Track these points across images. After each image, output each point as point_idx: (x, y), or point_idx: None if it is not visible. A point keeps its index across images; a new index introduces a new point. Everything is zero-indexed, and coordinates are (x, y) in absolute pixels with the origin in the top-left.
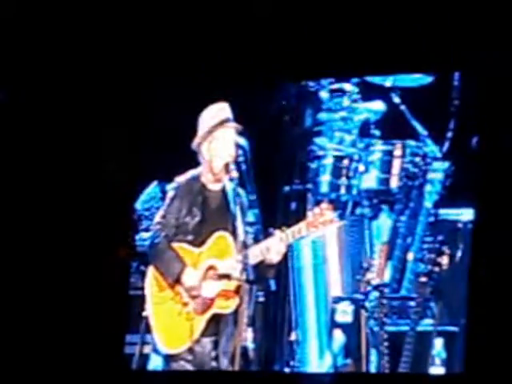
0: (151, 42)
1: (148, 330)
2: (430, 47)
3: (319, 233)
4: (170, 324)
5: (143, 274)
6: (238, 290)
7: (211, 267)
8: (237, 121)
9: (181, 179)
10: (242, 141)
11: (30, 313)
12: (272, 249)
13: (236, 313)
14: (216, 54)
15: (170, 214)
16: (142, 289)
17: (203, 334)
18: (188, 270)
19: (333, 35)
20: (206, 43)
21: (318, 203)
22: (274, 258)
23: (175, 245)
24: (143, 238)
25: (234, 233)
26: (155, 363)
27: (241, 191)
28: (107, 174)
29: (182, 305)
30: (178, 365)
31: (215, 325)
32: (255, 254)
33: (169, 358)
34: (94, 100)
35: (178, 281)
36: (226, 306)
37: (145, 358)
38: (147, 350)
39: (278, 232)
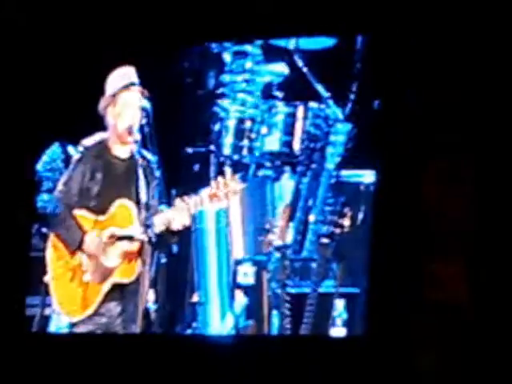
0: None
1: (48, 293)
2: (333, 10)
3: (222, 204)
4: (69, 293)
5: (44, 236)
6: (140, 252)
7: (112, 236)
8: (142, 84)
9: (87, 142)
10: (146, 103)
11: None
12: (175, 220)
13: (137, 280)
14: (121, 18)
15: (73, 179)
16: (43, 250)
17: (105, 301)
18: (88, 237)
19: None
20: (111, 6)
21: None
22: (178, 227)
23: (77, 212)
24: (45, 199)
25: (137, 198)
26: (58, 325)
27: (145, 153)
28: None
29: (81, 273)
30: (83, 328)
31: (118, 291)
32: (158, 224)
33: (72, 324)
34: None
35: (79, 248)
36: (126, 275)
37: (46, 319)
38: (48, 311)
39: (179, 202)
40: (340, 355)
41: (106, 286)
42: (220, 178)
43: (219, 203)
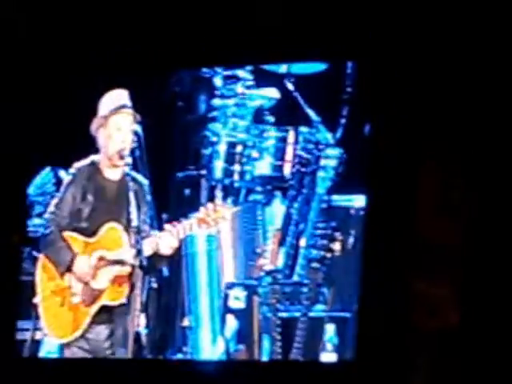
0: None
1: (38, 316)
2: (323, 36)
3: (211, 230)
4: (57, 314)
5: (35, 260)
6: (130, 276)
7: (101, 258)
8: (134, 107)
9: (79, 165)
10: (137, 127)
11: None
12: (163, 243)
13: (127, 302)
14: (114, 41)
15: (65, 201)
16: (33, 274)
17: (93, 323)
18: (79, 259)
19: (226, 23)
20: (103, 30)
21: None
22: (167, 251)
23: (67, 234)
24: (36, 223)
25: (127, 221)
26: (48, 349)
27: (137, 177)
28: None
29: (69, 296)
30: (71, 352)
31: (106, 314)
32: (147, 247)
33: (62, 346)
34: None
35: (68, 270)
36: (115, 297)
37: (37, 344)
38: (39, 335)
39: (169, 226)
40: (331, 381)
41: (94, 309)
42: (209, 204)
43: (208, 228)
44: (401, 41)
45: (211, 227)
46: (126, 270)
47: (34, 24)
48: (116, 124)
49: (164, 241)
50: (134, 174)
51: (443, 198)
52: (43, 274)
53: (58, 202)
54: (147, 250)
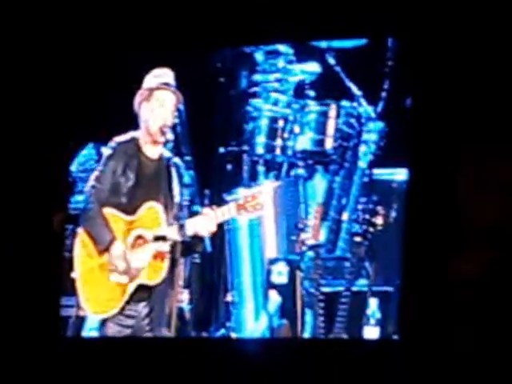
0: (91, 6)
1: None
2: (364, 13)
3: (250, 215)
4: (95, 290)
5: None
6: (172, 252)
7: (140, 237)
8: (178, 87)
9: (119, 139)
10: (180, 106)
11: None
12: (202, 227)
13: (169, 278)
14: (158, 21)
15: (105, 174)
16: None
17: (131, 301)
18: (117, 242)
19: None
20: (147, 11)
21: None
22: (204, 233)
23: (107, 210)
24: (79, 200)
25: (167, 200)
26: (90, 326)
27: (177, 154)
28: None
29: (107, 272)
30: (110, 328)
31: (145, 292)
32: (188, 228)
33: (102, 322)
34: (27, 60)
35: (106, 250)
36: (153, 277)
37: (81, 320)
38: (83, 312)
39: (207, 210)
40: (373, 357)
41: (132, 287)
42: (248, 191)
43: (247, 214)
44: (441, 16)
45: (250, 214)
46: (166, 246)
47: (80, 2)
48: (159, 99)
49: (202, 224)
50: (175, 150)
51: (488, 169)
52: (82, 249)
53: (99, 175)
54: (189, 230)
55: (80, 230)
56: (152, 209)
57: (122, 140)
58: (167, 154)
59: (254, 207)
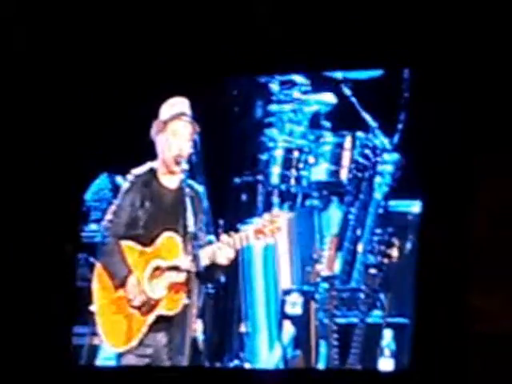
0: (108, 36)
1: (95, 323)
2: (379, 44)
3: (267, 240)
4: (113, 323)
5: (92, 266)
6: (187, 282)
7: (157, 268)
8: (193, 117)
9: (136, 171)
10: (195, 136)
11: None
12: (220, 254)
13: (184, 308)
14: (173, 49)
15: (123, 208)
16: (90, 280)
17: (150, 332)
18: (133, 275)
19: (283, 31)
20: (162, 39)
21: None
22: (223, 261)
23: (124, 243)
24: (92, 229)
25: (184, 228)
26: (105, 355)
27: (193, 183)
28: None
29: (125, 304)
30: (129, 359)
31: (164, 322)
32: (204, 257)
33: (120, 353)
34: (42, 88)
35: (122, 285)
36: (172, 307)
37: (94, 349)
38: (97, 341)
39: (225, 237)
40: None
41: (151, 318)
42: (266, 215)
43: (265, 239)
44: (457, 47)
45: (268, 238)
46: (182, 277)
47: (96, 29)
48: (174, 130)
49: (221, 251)
50: (190, 181)
51: (502, 204)
52: (98, 283)
53: (116, 209)
54: (204, 260)
55: (97, 264)
56: (170, 239)
57: (139, 173)
58: (182, 178)
59: (272, 231)
